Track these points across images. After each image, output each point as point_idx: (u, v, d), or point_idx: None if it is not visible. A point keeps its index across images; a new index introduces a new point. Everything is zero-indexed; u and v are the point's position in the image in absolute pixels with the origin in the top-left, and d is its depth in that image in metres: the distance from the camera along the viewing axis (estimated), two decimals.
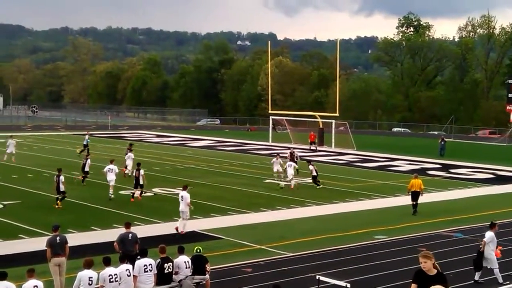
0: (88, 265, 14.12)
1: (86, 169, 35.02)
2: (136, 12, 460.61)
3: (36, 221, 24.62)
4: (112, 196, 30.32)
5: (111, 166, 31.50)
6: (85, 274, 13.94)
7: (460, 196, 34.32)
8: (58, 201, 27.98)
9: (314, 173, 36.15)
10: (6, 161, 43.90)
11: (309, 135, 60.86)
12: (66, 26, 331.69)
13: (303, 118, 72.96)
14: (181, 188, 24.45)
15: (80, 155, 45.74)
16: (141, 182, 30.33)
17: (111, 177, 30.81)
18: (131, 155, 38.13)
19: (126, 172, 36.81)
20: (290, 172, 35.44)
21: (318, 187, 35.59)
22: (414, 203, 28.69)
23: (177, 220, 24.17)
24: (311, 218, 27.06)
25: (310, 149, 58.80)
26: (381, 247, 21.95)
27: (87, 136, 50.89)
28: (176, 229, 23.40)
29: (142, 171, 30.52)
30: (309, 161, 38.54)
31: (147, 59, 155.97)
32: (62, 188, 28.00)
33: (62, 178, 28.15)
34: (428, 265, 9.42)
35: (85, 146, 48.27)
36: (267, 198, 31.68)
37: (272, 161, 38.54)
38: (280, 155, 39.90)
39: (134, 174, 31.39)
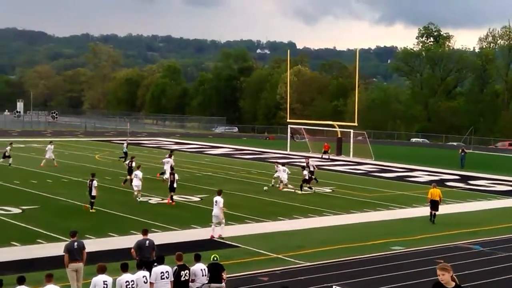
0: (102, 270, 14.18)
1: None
2: (156, 20, 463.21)
3: (54, 226, 24.76)
4: (139, 199, 31.26)
5: (135, 172, 32.47)
6: (99, 278, 14.00)
7: (479, 208, 34.07)
8: (86, 205, 28.82)
9: (306, 177, 37.68)
10: (42, 166, 44.62)
11: (323, 145, 61.17)
12: (87, 32, 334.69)
13: (321, 127, 72.87)
14: (216, 194, 24.76)
15: (120, 160, 47.24)
16: (174, 185, 31.45)
17: (136, 183, 31.58)
18: (170, 160, 39.32)
19: (164, 178, 37.76)
20: (284, 176, 37.53)
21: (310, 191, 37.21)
22: (433, 212, 29.20)
23: (195, 228, 24.25)
24: (329, 228, 26.99)
25: (322, 158, 58.99)
26: (398, 258, 21.82)
27: (125, 144, 51.47)
28: (219, 235, 23.78)
29: (176, 176, 32.03)
30: (303, 167, 39.73)
31: (166, 66, 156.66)
32: (93, 192, 28.64)
33: (95, 183, 28.83)
34: (446, 278, 9.34)
35: (125, 153, 48.77)
36: (285, 207, 31.64)
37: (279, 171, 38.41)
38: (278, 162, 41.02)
39: (169, 178, 32.56)
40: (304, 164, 41.16)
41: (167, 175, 35.91)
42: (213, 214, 24.10)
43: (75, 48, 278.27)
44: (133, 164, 36.64)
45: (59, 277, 15.98)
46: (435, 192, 29.47)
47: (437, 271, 9.37)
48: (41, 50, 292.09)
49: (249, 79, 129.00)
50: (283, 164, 40.11)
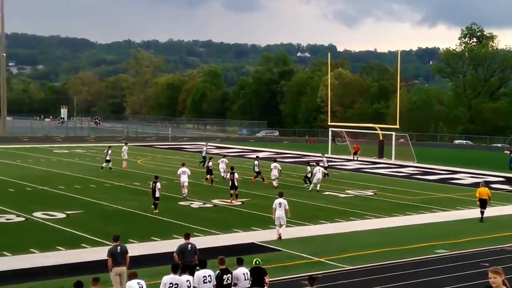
0: (134, 276, 14.27)
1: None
2: (196, 25, 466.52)
3: (98, 231, 25.06)
4: (185, 195, 33.44)
5: (183, 169, 34.37)
6: (133, 282, 14.10)
7: None
8: (152, 206, 29.83)
9: (309, 175, 40.06)
10: (124, 168, 47.04)
11: (353, 146, 62.09)
12: (128, 39, 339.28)
13: (363, 130, 72.40)
14: (278, 196, 25.36)
15: (199, 165, 48.62)
16: (236, 184, 33.36)
17: (184, 179, 33.77)
18: (224, 160, 42.82)
19: (222, 175, 40.89)
20: (274, 173, 39.48)
21: (305, 185, 39.61)
22: (483, 210, 29.90)
23: (237, 231, 24.42)
24: (371, 231, 26.78)
25: (354, 159, 59.55)
26: (442, 262, 21.54)
27: (204, 148, 52.99)
28: (280, 236, 24.37)
29: (236, 175, 33.76)
30: (309, 163, 42.43)
31: (207, 71, 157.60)
32: (157, 194, 29.61)
33: (158, 185, 29.75)
34: (497, 281, 9.09)
35: (204, 158, 49.82)
36: (326, 211, 31.51)
37: (314, 171, 38.90)
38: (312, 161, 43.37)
39: (229, 177, 34.53)
40: (321, 159, 44.70)
41: (227, 175, 36.96)
42: (277, 216, 24.64)
43: (117, 54, 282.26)
44: (210, 163, 40.36)
45: (103, 281, 16.11)
46: (483, 191, 30.22)
47: (489, 274, 9.11)
48: (84, 57, 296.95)
49: (289, 83, 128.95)
50: (274, 160, 42.21)
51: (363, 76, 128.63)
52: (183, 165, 35.34)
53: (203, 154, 50.99)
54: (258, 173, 41.70)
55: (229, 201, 33.42)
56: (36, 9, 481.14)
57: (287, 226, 25.25)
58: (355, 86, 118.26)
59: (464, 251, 23.15)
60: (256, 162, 42.16)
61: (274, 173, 39.65)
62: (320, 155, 47.88)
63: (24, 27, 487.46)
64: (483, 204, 30.04)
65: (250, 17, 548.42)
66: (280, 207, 24.68)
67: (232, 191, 33.72)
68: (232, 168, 35.28)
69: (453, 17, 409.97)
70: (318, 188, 38.03)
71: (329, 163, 49.51)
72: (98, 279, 13.90)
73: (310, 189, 38.16)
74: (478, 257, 22.11)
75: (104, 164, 46.45)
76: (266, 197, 35.32)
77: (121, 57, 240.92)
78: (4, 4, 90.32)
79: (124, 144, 50.43)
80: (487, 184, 40.95)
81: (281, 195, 25.37)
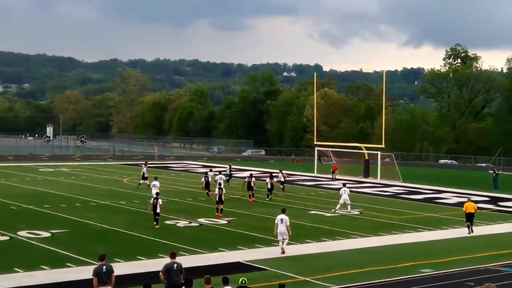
0: None
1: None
2: (183, 44, 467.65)
3: (83, 250, 24.95)
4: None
5: (155, 183, 38.43)
6: None
7: (510, 230, 33.61)
8: (154, 222, 30.78)
9: (269, 186, 43.11)
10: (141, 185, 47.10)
11: (332, 166, 62.87)
12: (115, 58, 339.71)
13: (349, 150, 72.64)
14: (280, 212, 26.02)
15: (228, 184, 48.97)
16: (223, 198, 35.18)
17: (155, 191, 35.67)
18: (222, 176, 43.00)
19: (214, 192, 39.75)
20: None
21: (267, 198, 42.66)
22: (469, 223, 31.61)
23: (223, 251, 24.47)
24: (356, 251, 26.82)
25: (332, 178, 59.87)
26: (427, 281, 21.61)
27: (228, 167, 53.42)
28: (283, 250, 25.22)
29: (224, 190, 35.76)
30: (271, 176, 44.53)
31: (193, 90, 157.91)
32: (158, 210, 30.71)
33: (160, 201, 31.01)
34: None
35: (230, 175, 51.98)
36: (312, 230, 31.54)
37: (341, 191, 38.66)
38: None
39: (217, 192, 35.57)
40: (278, 174, 48.23)
41: (216, 191, 36.71)
42: (278, 232, 25.28)
43: (103, 73, 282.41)
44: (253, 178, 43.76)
45: None
46: (469, 206, 31.83)
47: None
48: (70, 75, 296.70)
49: (275, 102, 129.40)
50: (220, 172, 44.69)
51: (348, 95, 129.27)
52: (155, 179, 39.29)
53: (227, 172, 51.63)
54: (251, 189, 43.20)
55: (216, 214, 34.62)
56: (23, 27, 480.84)
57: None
58: (341, 106, 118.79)
59: (449, 271, 23.24)
60: (253, 179, 43.84)
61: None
62: (278, 171, 49.96)
63: (10, 45, 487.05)
64: (469, 217, 31.64)
65: (237, 37, 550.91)
66: (281, 223, 25.29)
67: (217, 206, 35.09)
68: (220, 184, 36.89)
69: (438, 38, 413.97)
70: (349, 208, 37.87)
71: (287, 179, 51.89)
72: None
73: (336, 209, 37.60)
74: (463, 277, 22.21)
75: (141, 181, 47.25)
76: (252, 216, 35.36)
77: (108, 76, 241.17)
78: None
79: (144, 164, 50.72)
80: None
81: (283, 211, 25.98)
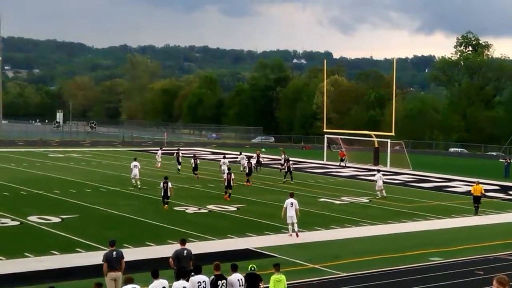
0: (129, 281, 14.20)
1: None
2: (193, 30, 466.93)
3: (93, 235, 25.06)
4: (139, 187, 38.66)
5: (135, 163, 40.05)
6: (128, 287, 14.06)
7: None
8: (165, 206, 31.86)
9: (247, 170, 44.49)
10: (159, 167, 51.33)
11: (339, 153, 62.93)
12: (125, 44, 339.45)
13: (358, 137, 72.53)
14: (289, 196, 26.68)
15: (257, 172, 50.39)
16: (231, 184, 36.05)
17: (135, 172, 39.35)
18: (226, 162, 46.23)
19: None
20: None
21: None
22: (476, 205, 33.96)
23: (232, 237, 24.56)
24: (366, 238, 26.83)
25: (340, 166, 59.90)
26: (436, 270, 21.59)
27: (256, 154, 54.51)
28: (297, 234, 25.89)
29: (232, 175, 36.54)
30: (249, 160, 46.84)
31: (203, 76, 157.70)
32: (169, 193, 31.86)
33: (170, 184, 32.11)
34: None
35: (259, 163, 53.02)
36: (322, 217, 31.55)
37: (376, 177, 40.07)
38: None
39: (226, 177, 36.58)
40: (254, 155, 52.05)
41: (224, 175, 38.04)
42: (289, 215, 25.88)
43: (113, 59, 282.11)
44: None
45: None
46: (477, 188, 34.28)
47: (494, 283, 8.95)
48: (80, 61, 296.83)
49: (285, 89, 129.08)
50: (224, 157, 47.73)
51: (358, 83, 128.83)
52: (135, 159, 41.27)
53: (256, 160, 52.40)
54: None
55: (225, 197, 35.99)
56: (33, 13, 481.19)
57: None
58: (350, 93, 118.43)
59: (459, 259, 23.20)
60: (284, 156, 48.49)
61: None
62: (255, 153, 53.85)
63: (20, 31, 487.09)
64: (476, 199, 34.04)
65: (247, 23, 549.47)
66: (291, 207, 25.91)
67: (226, 190, 36.22)
68: (229, 169, 38.31)
69: (451, 25, 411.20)
70: (384, 194, 39.02)
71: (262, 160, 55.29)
72: (100, 284, 13.89)
73: (379, 196, 38.86)
74: (472, 265, 22.17)
75: (179, 166, 49.57)
76: (261, 203, 35.39)
77: (117, 62, 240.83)
78: (0, 8, 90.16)
79: (159, 148, 57.06)
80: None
81: (292, 195, 26.66)
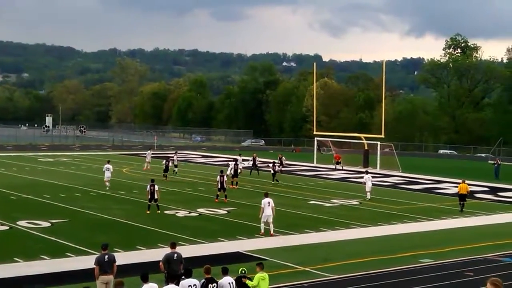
0: (120, 285, 14.16)
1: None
2: (183, 34, 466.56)
3: (83, 240, 24.98)
4: (108, 188, 39.99)
5: (107, 166, 41.47)
6: None
7: (509, 220, 33.65)
8: (148, 211, 31.79)
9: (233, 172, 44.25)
10: (145, 170, 52.36)
11: (334, 156, 62.73)
12: (114, 47, 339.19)
13: (348, 140, 72.65)
14: (264, 196, 27.84)
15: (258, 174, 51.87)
16: (224, 186, 36.50)
17: (108, 175, 41.07)
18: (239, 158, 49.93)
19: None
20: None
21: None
22: (461, 203, 35.84)
23: (223, 241, 24.58)
24: (356, 240, 26.89)
25: (336, 169, 59.73)
26: (427, 271, 21.66)
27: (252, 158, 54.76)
28: (271, 233, 26.79)
29: (225, 177, 36.94)
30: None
31: (193, 80, 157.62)
32: (156, 196, 31.91)
33: (156, 187, 32.20)
34: None
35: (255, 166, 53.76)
36: (312, 220, 31.58)
37: (364, 179, 40.47)
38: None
39: (218, 179, 36.70)
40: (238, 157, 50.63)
41: (218, 178, 37.75)
42: (265, 214, 26.89)
43: (102, 63, 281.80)
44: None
45: None
46: (463, 187, 36.18)
47: (488, 285, 8.94)
48: (70, 65, 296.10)
49: (275, 92, 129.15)
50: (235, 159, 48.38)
51: (348, 86, 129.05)
52: (108, 162, 42.58)
53: (251, 163, 53.69)
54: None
55: (215, 200, 36.27)
56: (22, 17, 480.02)
57: (272, 235, 25.88)
58: (340, 96, 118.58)
59: (449, 261, 23.28)
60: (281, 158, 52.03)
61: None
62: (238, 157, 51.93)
63: (9, 34, 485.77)
64: (462, 197, 35.97)
65: (236, 27, 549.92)
66: (268, 206, 26.94)
67: (219, 193, 36.54)
68: (221, 171, 37.97)
69: (441, 28, 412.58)
70: (369, 197, 39.17)
71: (286, 169, 56.22)
72: None
73: (369, 197, 39.12)
74: (462, 267, 22.26)
75: (176, 169, 50.80)
76: (252, 206, 35.36)
77: (107, 66, 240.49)
78: None
79: (149, 149, 57.77)
80: (471, 194, 41.22)
81: (267, 195, 27.89)
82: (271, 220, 26.89)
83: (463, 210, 35.38)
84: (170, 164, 48.76)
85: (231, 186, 42.45)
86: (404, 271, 21.53)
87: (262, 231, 26.87)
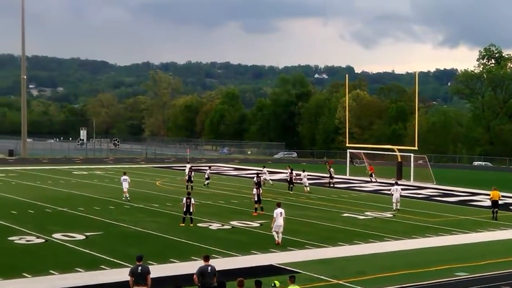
0: None
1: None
2: (214, 47, 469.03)
3: (117, 252, 25.16)
4: (128, 199, 40.92)
5: (124, 177, 42.17)
6: None
7: None
8: (182, 224, 32.01)
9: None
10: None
11: (368, 167, 62.37)
12: (147, 61, 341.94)
13: (381, 152, 72.24)
14: (276, 206, 28.13)
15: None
16: (261, 198, 37.00)
17: (125, 185, 41.69)
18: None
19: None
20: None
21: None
22: (495, 209, 36.54)
23: (255, 253, 24.58)
24: (390, 253, 26.65)
25: (371, 181, 59.49)
26: (462, 285, 21.39)
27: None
28: (279, 242, 27.10)
29: (261, 190, 38.27)
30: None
31: (225, 92, 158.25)
32: (191, 209, 32.01)
33: (193, 200, 32.35)
34: None
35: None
36: (345, 232, 31.40)
37: (392, 190, 40.54)
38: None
39: (255, 192, 37.04)
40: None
41: (254, 191, 37.86)
42: (278, 224, 27.28)
43: (135, 76, 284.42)
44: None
45: None
46: (495, 194, 36.84)
47: None
48: (103, 79, 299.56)
49: (307, 104, 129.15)
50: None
51: (380, 97, 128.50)
52: (124, 173, 43.17)
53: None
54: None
55: (253, 214, 36.28)
56: (56, 31, 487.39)
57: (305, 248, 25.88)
58: (373, 108, 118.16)
59: (484, 274, 22.95)
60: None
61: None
62: (261, 168, 54.93)
63: (44, 49, 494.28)
64: (495, 204, 36.64)
65: (268, 39, 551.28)
66: (281, 216, 27.39)
67: (256, 205, 36.71)
68: (258, 184, 39.49)
69: (475, 38, 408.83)
70: (398, 206, 39.45)
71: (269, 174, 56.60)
72: None
73: (394, 208, 39.24)
74: (499, 280, 21.93)
75: (206, 182, 51.37)
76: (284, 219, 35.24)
77: (140, 79, 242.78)
78: (25, 27, 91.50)
79: (187, 163, 56.67)
80: (507, 206, 40.64)
81: (279, 205, 28.28)
82: (281, 230, 27.35)
83: (496, 218, 36.05)
84: (193, 174, 49.33)
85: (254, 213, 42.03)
86: (439, 285, 21.27)
87: (277, 239, 27.27)
